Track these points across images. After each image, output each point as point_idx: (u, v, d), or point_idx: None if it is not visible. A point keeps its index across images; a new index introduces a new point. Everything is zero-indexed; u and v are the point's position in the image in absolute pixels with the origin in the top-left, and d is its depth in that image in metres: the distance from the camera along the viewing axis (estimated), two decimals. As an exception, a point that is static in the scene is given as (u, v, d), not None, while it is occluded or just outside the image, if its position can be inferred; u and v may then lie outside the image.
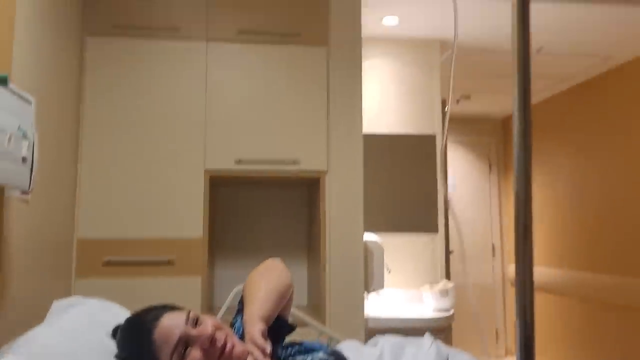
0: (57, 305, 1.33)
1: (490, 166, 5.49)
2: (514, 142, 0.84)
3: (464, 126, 5.34)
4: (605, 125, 4.15)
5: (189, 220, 2.52)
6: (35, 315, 1.69)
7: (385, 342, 1.23)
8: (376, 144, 3.40)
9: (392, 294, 3.32)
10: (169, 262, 2.47)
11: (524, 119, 0.84)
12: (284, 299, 1.35)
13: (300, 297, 2.99)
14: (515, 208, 0.81)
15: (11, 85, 1.43)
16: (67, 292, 2.34)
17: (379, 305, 3.22)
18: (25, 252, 1.88)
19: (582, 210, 4.37)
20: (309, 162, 2.64)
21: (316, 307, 2.70)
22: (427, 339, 1.23)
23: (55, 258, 2.22)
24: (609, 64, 4.00)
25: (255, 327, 1.21)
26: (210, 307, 2.77)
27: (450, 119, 3.77)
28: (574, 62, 3.98)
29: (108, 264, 2.42)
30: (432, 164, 3.47)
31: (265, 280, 1.36)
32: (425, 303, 3.15)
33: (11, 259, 1.75)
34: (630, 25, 3.24)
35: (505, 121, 5.61)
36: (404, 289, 3.37)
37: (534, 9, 2.97)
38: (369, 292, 2.86)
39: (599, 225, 4.16)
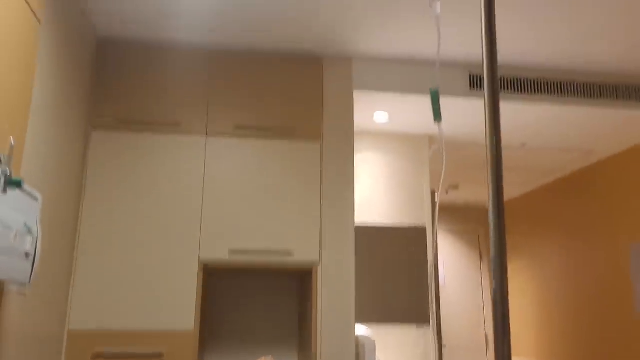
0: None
1: (480, 255, 5.54)
2: (490, 239, 0.91)
3: (453, 215, 5.44)
4: (587, 219, 4.26)
5: (181, 312, 2.52)
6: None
7: None
8: (368, 235, 3.47)
9: (384, 389, 3.26)
10: (159, 355, 2.44)
11: (498, 215, 0.91)
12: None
13: (291, 391, 2.93)
14: (493, 302, 0.86)
15: (25, 185, 1.51)
16: (54, 386, 2.30)
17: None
18: (18, 345, 1.87)
19: (568, 301, 4.39)
20: (302, 254, 2.69)
21: (307, 403, 2.64)
22: None
23: (45, 350, 2.20)
24: (590, 159, 4.19)
25: None
26: (198, 402, 2.71)
27: (440, 209, 3.87)
28: (556, 156, 4.16)
29: (97, 356, 2.39)
30: (422, 255, 3.52)
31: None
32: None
33: (4, 353, 1.75)
34: (611, 123, 3.44)
35: (494, 210, 5.73)
36: (396, 383, 3.32)
37: (519, 107, 3.16)
38: (360, 386, 2.81)
39: (584, 315, 4.17)
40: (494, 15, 0.99)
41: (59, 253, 2.32)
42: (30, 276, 1.64)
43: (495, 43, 0.98)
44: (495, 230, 0.92)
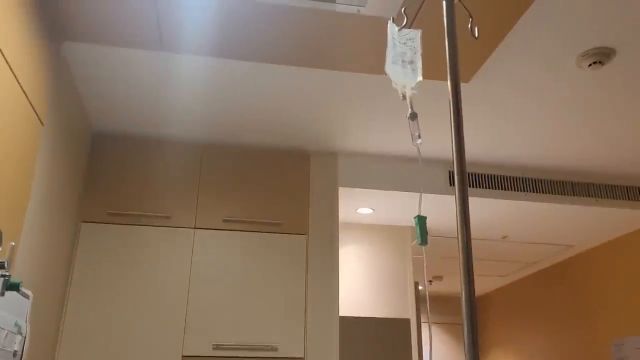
0: None
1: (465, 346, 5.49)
2: (463, 330, 0.97)
3: (437, 306, 5.45)
4: (568, 311, 4.31)
5: (162, 408, 2.48)
6: None
7: None
8: (352, 326, 3.48)
9: None
10: None
11: (470, 308, 0.98)
12: None
13: None
14: None
15: (21, 288, 1.56)
16: None
17: None
18: None
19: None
20: (286, 348, 2.69)
21: None
22: None
23: None
24: (570, 252, 4.30)
25: None
26: None
27: (423, 300, 3.91)
28: (537, 249, 4.27)
29: None
30: (406, 347, 3.51)
31: None
32: None
33: None
34: (586, 220, 3.58)
35: (479, 300, 5.75)
36: None
37: (499, 202, 3.30)
38: None
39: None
40: (462, 122, 1.12)
41: (42, 349, 2.30)
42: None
43: (464, 146, 1.09)
44: (468, 322, 0.98)
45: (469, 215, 1.07)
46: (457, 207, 1.05)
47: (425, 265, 1.49)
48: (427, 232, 1.09)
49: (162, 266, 2.72)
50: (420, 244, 1.04)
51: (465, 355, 0.99)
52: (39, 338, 2.24)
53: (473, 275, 1.04)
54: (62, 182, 2.39)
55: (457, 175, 1.08)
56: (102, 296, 2.61)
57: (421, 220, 1.08)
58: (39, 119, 1.96)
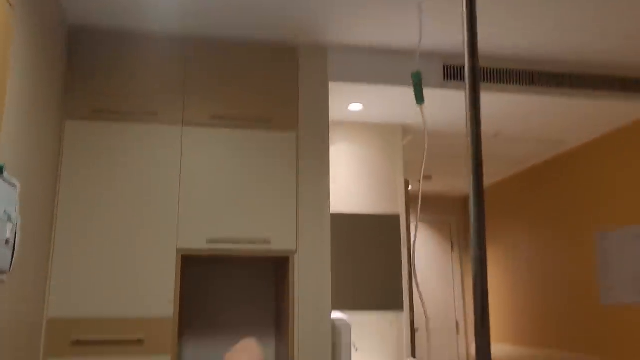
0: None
1: (452, 245, 5.67)
2: (471, 227, 0.96)
3: (426, 206, 5.55)
4: (556, 207, 4.41)
5: (160, 299, 2.55)
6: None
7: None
8: (343, 223, 3.54)
9: (359, 373, 3.34)
10: (139, 342, 2.47)
11: (478, 205, 0.97)
12: (258, 377, 1.41)
13: (268, 376, 2.99)
14: (474, 290, 0.92)
15: (4, 173, 1.52)
16: (33, 374, 2.31)
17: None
18: (-4, 333, 1.88)
19: (537, 288, 4.54)
20: (279, 242, 2.74)
21: (284, 387, 2.71)
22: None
23: (25, 337, 2.21)
24: (561, 148, 4.32)
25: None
26: (176, 388, 2.75)
27: (413, 199, 3.96)
28: (528, 146, 4.28)
29: (77, 343, 2.41)
30: (396, 243, 3.61)
31: (241, 360, 1.42)
32: (391, 381, 3.18)
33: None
34: (579, 114, 3.57)
35: (466, 200, 5.87)
36: (371, 367, 3.41)
37: (492, 96, 3.25)
38: (336, 370, 2.88)
39: (552, 303, 4.32)
40: (475, 5, 1.04)
41: (36, 242, 2.32)
42: (11, 263, 1.66)
43: (476, 34, 1.03)
44: (476, 220, 0.97)
45: (479, 109, 1.02)
46: (468, 98, 1.01)
47: (425, 153, 1.46)
48: (422, 89, 1.04)
49: (152, 163, 2.70)
50: (418, 104, 1.00)
51: (471, 250, 0.97)
52: (33, 231, 2.25)
53: (482, 170, 1.01)
54: (41, 77, 2.29)
55: (468, 64, 1.02)
56: (92, 194, 2.60)
57: (417, 77, 1.04)
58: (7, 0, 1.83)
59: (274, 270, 3.14)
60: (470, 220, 0.98)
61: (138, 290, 2.54)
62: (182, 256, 2.63)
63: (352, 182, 3.72)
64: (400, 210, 3.68)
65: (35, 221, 2.28)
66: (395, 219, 3.64)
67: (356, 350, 3.14)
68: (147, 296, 2.55)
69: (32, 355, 2.32)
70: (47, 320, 2.42)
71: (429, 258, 5.48)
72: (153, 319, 2.52)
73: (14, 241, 1.67)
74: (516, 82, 3.20)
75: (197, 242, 2.65)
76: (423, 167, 1.41)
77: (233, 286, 3.08)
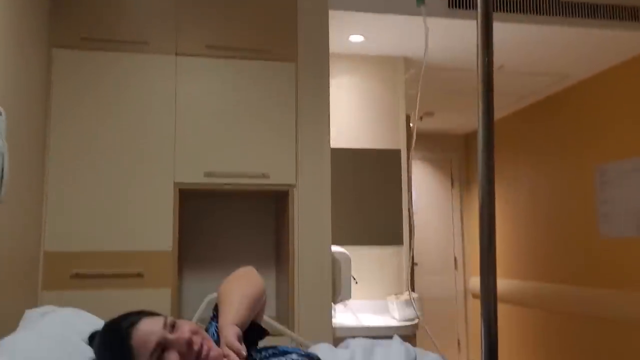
0: (30, 313, 1.33)
1: (452, 182, 5.64)
2: (478, 159, 0.90)
3: (427, 142, 5.49)
4: (557, 142, 4.35)
5: (158, 233, 2.53)
6: (1, 326, 1.67)
7: (356, 344, 1.28)
8: (343, 158, 3.48)
9: (358, 305, 3.38)
10: (138, 275, 2.47)
11: (487, 137, 0.91)
12: (258, 304, 1.39)
13: (269, 308, 3.02)
14: (480, 223, 0.87)
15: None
16: (33, 304, 2.31)
17: (346, 315, 3.27)
18: (-7, 264, 1.86)
19: (538, 223, 4.55)
20: (277, 176, 2.69)
21: (284, 318, 2.73)
22: (396, 340, 1.29)
23: (21, 270, 2.20)
24: (565, 82, 4.21)
25: (230, 331, 1.24)
26: (179, 318, 2.77)
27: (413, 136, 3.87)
28: (532, 80, 4.17)
29: (76, 276, 2.40)
30: (397, 178, 3.56)
31: (239, 287, 1.40)
32: (390, 313, 3.22)
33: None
34: (586, 46, 3.44)
35: (468, 137, 5.80)
36: (370, 299, 3.44)
37: (497, 26, 3.12)
38: (336, 302, 2.91)
39: (553, 237, 4.34)
40: None
41: (28, 174, 2.27)
42: (1, 191, 1.61)
43: None
44: (484, 152, 0.91)
45: (492, 37, 0.94)
46: (480, 24, 0.93)
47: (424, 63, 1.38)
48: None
49: (145, 94, 2.60)
50: (418, 5, 0.92)
51: (480, 181, 0.91)
52: (24, 163, 2.19)
53: (492, 95, 0.94)
54: (24, 1, 2.17)
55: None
56: (85, 126, 2.52)
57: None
58: None
59: (274, 204, 3.11)
60: (478, 147, 0.92)
61: (136, 224, 2.51)
62: (180, 190, 2.58)
63: (352, 116, 3.63)
64: (402, 145, 3.62)
65: (25, 152, 2.21)
66: (396, 154, 3.58)
67: (356, 283, 3.16)
68: (145, 230, 2.52)
69: (31, 288, 2.32)
70: (44, 253, 2.40)
71: (429, 195, 5.47)
72: (152, 253, 2.51)
73: (2, 169, 1.61)
74: (522, 10, 3.06)
75: (194, 176, 2.60)
76: (420, 84, 1.33)
77: (233, 220, 3.06)
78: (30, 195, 2.29)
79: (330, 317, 2.73)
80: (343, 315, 3.23)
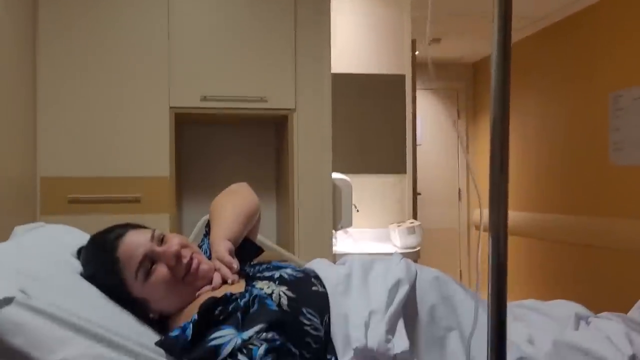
0: (19, 228, 1.30)
1: (458, 112, 5.53)
2: (492, 80, 0.82)
3: (434, 71, 5.32)
4: (570, 68, 4.20)
5: (155, 158, 2.48)
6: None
7: (354, 260, 1.25)
8: (345, 83, 3.36)
9: (359, 233, 3.37)
10: (136, 200, 2.44)
11: (503, 53, 0.83)
12: (251, 220, 1.35)
13: (269, 235, 3.01)
14: (491, 156, 0.80)
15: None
16: (31, 229, 2.30)
17: (347, 242, 3.26)
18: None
19: (548, 152, 4.47)
20: (276, 100, 2.61)
21: (285, 245, 2.72)
22: (396, 256, 1.25)
23: (17, 196, 2.17)
24: (578, 4, 4.01)
25: (221, 245, 1.21)
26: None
27: (418, 64, 3.74)
28: (545, 3, 3.97)
29: (73, 201, 2.38)
30: (401, 105, 3.46)
31: (232, 202, 1.35)
32: (392, 241, 3.22)
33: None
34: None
35: (476, 66, 5.62)
36: (372, 228, 3.43)
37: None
38: (336, 230, 2.89)
39: (563, 166, 4.27)
40: None
41: (17, 95, 2.20)
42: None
43: None
44: (499, 73, 0.83)
45: None
46: None
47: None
48: None
49: (139, 16, 2.48)
50: None
51: (491, 115, 0.84)
52: (11, 82, 2.12)
53: (510, 27, 0.84)
54: None
55: None
56: (75, 47, 2.43)
57: None
58: None
59: (274, 131, 3.04)
60: (492, 66, 0.84)
61: (133, 149, 2.46)
62: (176, 114, 2.51)
63: (355, 39, 3.48)
64: (406, 70, 3.49)
65: (14, 77, 2.14)
66: (400, 79, 3.46)
67: (357, 211, 3.14)
68: (142, 155, 2.47)
69: (29, 213, 2.30)
70: (41, 178, 2.37)
71: (434, 125, 5.37)
72: (150, 178, 2.47)
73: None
74: None
75: (190, 100, 2.52)
76: (430, 2, 1.22)
77: (233, 148, 3.00)
78: (21, 120, 2.23)
79: (330, 244, 2.72)
80: (344, 243, 3.23)
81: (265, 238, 1.63)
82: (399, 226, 3.13)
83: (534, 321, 1.26)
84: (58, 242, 1.22)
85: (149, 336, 1.02)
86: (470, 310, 1.19)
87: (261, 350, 0.92)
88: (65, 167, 2.39)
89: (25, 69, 2.27)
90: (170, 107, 2.50)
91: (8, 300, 0.76)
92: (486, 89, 5.39)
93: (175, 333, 0.98)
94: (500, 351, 0.74)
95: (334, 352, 1.03)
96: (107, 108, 2.44)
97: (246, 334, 0.95)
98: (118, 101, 2.45)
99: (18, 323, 0.74)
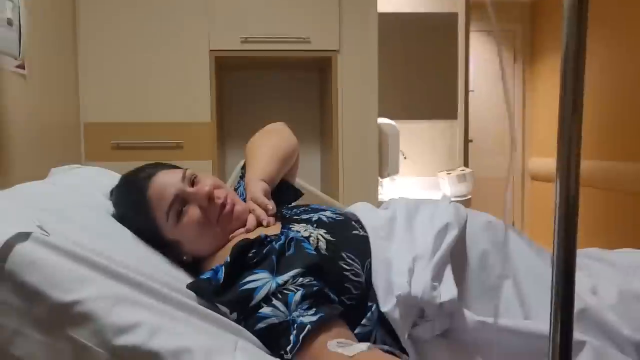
0: (56, 169, 1.27)
1: (514, 56, 5.21)
2: (563, 19, 0.69)
3: (487, 12, 5.00)
4: (635, 14, 3.84)
5: (197, 103, 2.43)
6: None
7: (399, 204, 1.15)
8: (392, 23, 3.17)
9: (407, 181, 3.26)
10: (178, 146, 2.41)
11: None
12: (289, 161, 1.27)
13: (313, 184, 2.95)
14: (563, 86, 0.67)
15: None
16: (76, 175, 2.32)
17: (393, 192, 3.16)
18: (28, 133, 1.83)
19: (607, 98, 4.17)
20: (319, 41, 2.49)
21: (328, 194, 2.65)
22: (444, 199, 1.15)
23: (62, 142, 2.18)
24: None
25: (257, 186, 1.14)
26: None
27: (472, 4, 3.49)
28: None
29: (117, 147, 2.37)
30: (453, 46, 3.26)
31: (268, 142, 1.28)
32: (441, 189, 3.09)
33: (12, 138, 1.70)
34: None
35: (535, 6, 5.25)
36: (420, 176, 3.31)
37: None
38: (383, 177, 2.79)
39: (622, 112, 3.98)
40: None
41: (61, 44, 2.17)
42: (19, 48, 1.51)
43: None
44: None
45: None
46: None
47: None
48: None
49: (175, -47, 2.39)
50: None
51: (563, 61, 0.71)
52: (51, 26, 2.08)
53: None
54: None
55: None
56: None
57: None
58: None
59: (318, 76, 2.93)
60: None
61: (174, 94, 2.42)
62: (216, 58, 2.44)
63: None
64: (459, 9, 3.26)
65: (56, 23, 2.10)
66: (452, 18, 3.24)
67: (404, 158, 3.02)
68: (183, 101, 2.43)
69: (75, 160, 2.31)
70: (85, 124, 2.37)
71: (488, 69, 5.09)
72: (191, 124, 2.43)
73: (19, 22, 1.50)
74: None
75: (231, 43, 2.44)
76: None
77: (275, 94, 2.92)
78: (63, 66, 2.21)
79: (376, 192, 2.63)
80: (390, 191, 3.13)
81: (304, 182, 1.55)
82: (448, 174, 3.00)
83: (598, 270, 1.14)
84: (92, 183, 1.19)
85: (180, 279, 0.97)
86: (527, 258, 1.08)
87: (297, 296, 0.86)
88: (107, 113, 2.38)
89: (65, 15, 2.24)
90: (211, 50, 2.42)
91: (24, 236, 0.72)
92: (546, 31, 5.04)
93: (207, 275, 0.93)
94: (567, 306, 0.64)
95: (375, 300, 0.96)
96: (148, 53, 2.39)
97: (281, 279, 0.89)
98: (158, 45, 2.39)
99: (34, 260, 0.70)
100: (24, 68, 1.79)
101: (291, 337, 0.83)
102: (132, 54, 2.38)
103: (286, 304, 0.85)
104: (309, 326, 0.82)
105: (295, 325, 0.83)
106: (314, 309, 0.85)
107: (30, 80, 1.84)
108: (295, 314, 0.84)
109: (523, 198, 5.34)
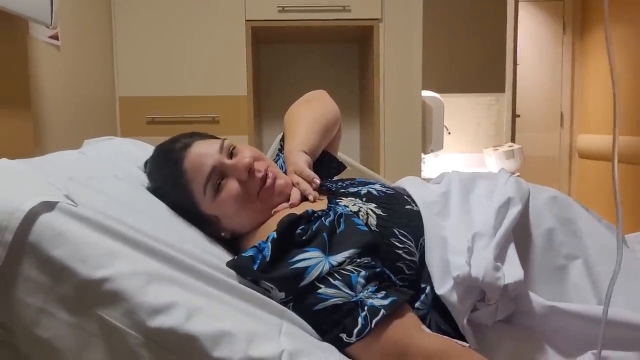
0: (89, 141, 1.21)
1: (564, 27, 4.94)
2: None
3: (537, -19, 4.74)
4: None
5: (233, 76, 2.36)
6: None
7: (452, 177, 1.05)
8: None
9: (451, 157, 3.12)
10: (214, 120, 2.35)
11: None
12: (331, 131, 1.18)
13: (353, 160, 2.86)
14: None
15: None
16: (112, 150, 2.30)
17: (437, 168, 3.04)
18: (63, 106, 1.79)
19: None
20: (360, 9, 2.37)
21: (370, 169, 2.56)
22: (503, 172, 1.04)
23: (97, 115, 2.15)
24: None
25: (299, 157, 1.05)
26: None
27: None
28: None
29: (152, 121, 2.33)
30: (501, 17, 3.08)
31: (308, 111, 1.19)
32: (487, 166, 2.95)
33: (46, 111, 1.66)
34: None
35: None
36: (464, 152, 3.17)
37: None
38: (426, 153, 2.68)
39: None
40: None
41: (96, 17, 2.13)
42: (51, 16, 1.45)
43: None
44: None
45: None
46: None
47: None
48: None
49: None
50: None
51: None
52: (89, 7, 2.03)
53: None
54: None
55: None
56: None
57: None
58: None
59: (357, 48, 2.81)
60: None
61: (210, 67, 2.35)
62: (252, 28, 2.35)
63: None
64: (507, -24, 3.08)
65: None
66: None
67: (449, 133, 2.89)
68: (219, 74, 2.36)
69: (109, 132, 2.28)
70: (120, 99, 2.33)
71: (536, 41, 4.84)
72: (227, 97, 2.36)
73: (50, -8, 1.44)
74: None
75: (267, 12, 2.34)
76: None
77: (314, 67, 2.82)
78: (98, 39, 2.17)
79: (419, 168, 2.52)
80: (434, 168, 3.01)
81: (345, 156, 1.46)
82: (495, 150, 2.86)
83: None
84: (125, 154, 1.13)
85: (219, 256, 0.89)
86: (598, 235, 0.97)
87: (361, 277, 0.78)
88: (143, 87, 2.33)
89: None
90: (247, 21, 2.34)
91: (50, 206, 0.65)
92: (598, 1, 4.74)
93: (249, 252, 0.85)
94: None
95: (429, 281, 0.87)
96: (183, 25, 2.32)
97: (334, 259, 0.80)
98: (194, 17, 2.32)
99: (60, 232, 0.63)
100: (57, 39, 1.75)
101: (359, 319, 0.76)
102: (167, 25, 2.32)
103: (350, 285, 0.78)
104: (382, 311, 0.76)
105: (366, 307, 0.76)
106: (383, 292, 0.78)
107: (65, 52, 1.79)
108: (362, 294, 0.77)
109: (570, 176, 5.11)
